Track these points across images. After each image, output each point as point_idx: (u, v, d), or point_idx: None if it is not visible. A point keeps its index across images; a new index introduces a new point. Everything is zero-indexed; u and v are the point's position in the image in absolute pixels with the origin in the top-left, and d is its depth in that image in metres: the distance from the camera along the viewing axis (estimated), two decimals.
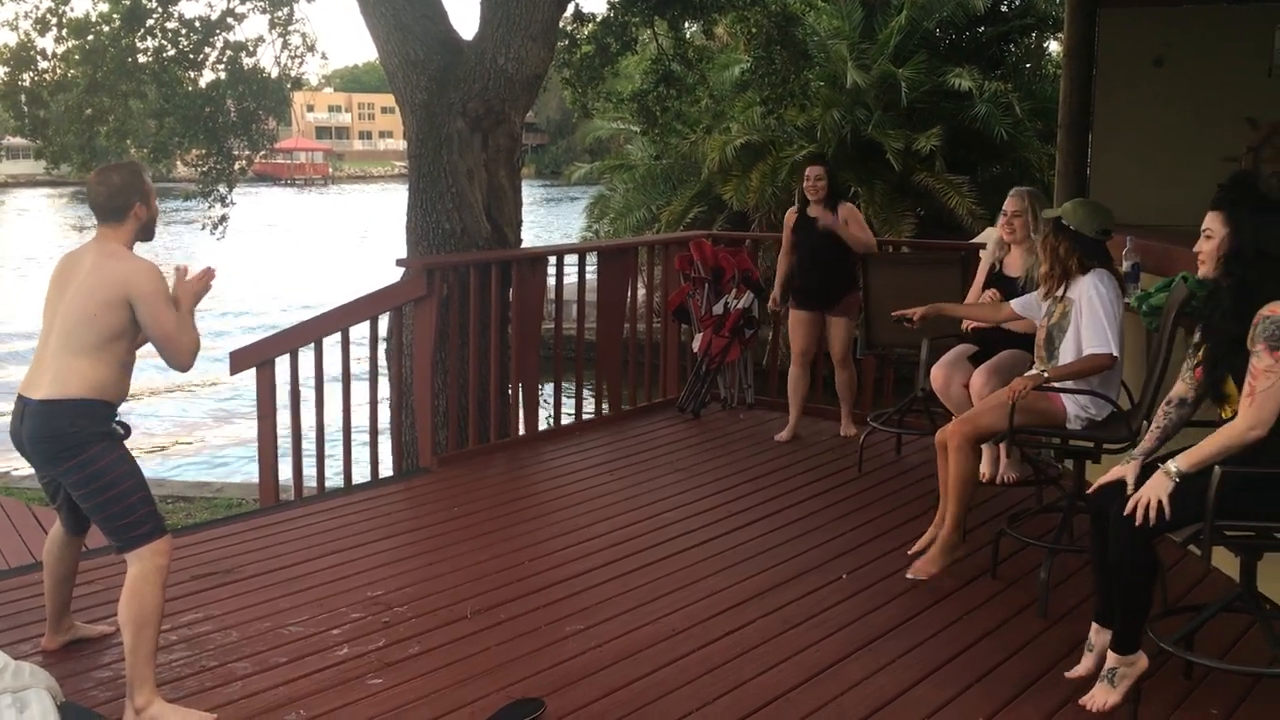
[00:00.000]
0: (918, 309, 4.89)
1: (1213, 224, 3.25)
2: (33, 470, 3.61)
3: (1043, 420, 4.22)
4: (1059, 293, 4.24)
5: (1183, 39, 6.26)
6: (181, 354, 3.43)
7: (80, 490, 3.37)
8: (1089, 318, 4.10)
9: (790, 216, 6.56)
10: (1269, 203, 3.24)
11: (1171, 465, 3.17)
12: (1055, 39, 18.15)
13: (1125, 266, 4.80)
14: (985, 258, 5.34)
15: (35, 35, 8.95)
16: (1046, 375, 4.15)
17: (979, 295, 5.15)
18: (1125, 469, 3.36)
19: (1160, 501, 3.14)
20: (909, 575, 4.43)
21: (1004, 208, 5.06)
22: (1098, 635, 3.54)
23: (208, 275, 3.55)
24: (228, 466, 12.57)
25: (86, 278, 3.37)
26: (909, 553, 4.61)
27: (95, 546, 4.64)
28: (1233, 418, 3.17)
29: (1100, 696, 3.34)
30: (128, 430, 3.49)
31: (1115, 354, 4.10)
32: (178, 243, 31.28)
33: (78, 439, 3.31)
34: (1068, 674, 3.60)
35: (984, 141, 16.19)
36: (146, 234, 3.54)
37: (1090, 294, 4.12)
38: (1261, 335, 3.07)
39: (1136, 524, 3.16)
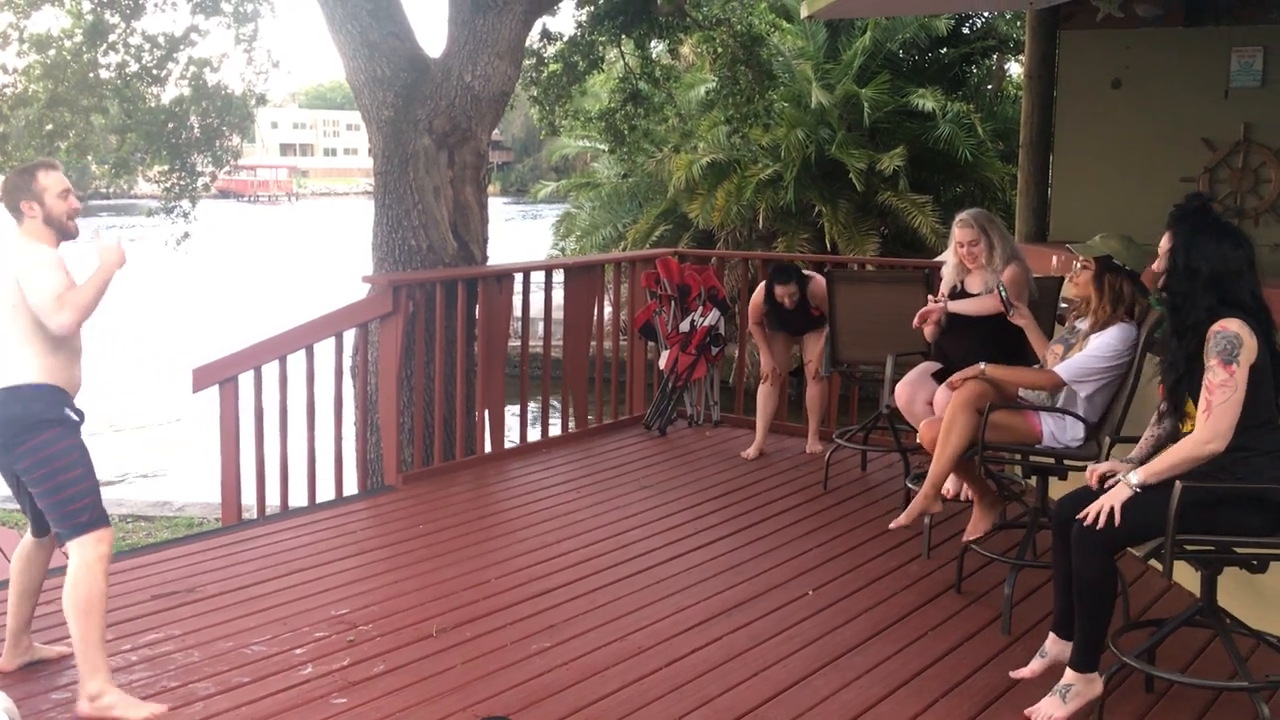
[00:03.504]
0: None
1: (1163, 244, 3.32)
2: None
3: (1016, 439, 4.25)
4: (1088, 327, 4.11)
5: (1141, 61, 6.37)
6: (49, 311, 3.40)
7: (32, 475, 3.48)
8: (1084, 355, 4.01)
9: (757, 305, 6.50)
10: (1210, 223, 3.25)
11: (1132, 476, 3.21)
12: (1016, 61, 18.39)
13: None
14: (946, 278, 5.38)
15: None
16: (984, 369, 4.23)
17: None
18: (1116, 464, 3.42)
19: (1113, 509, 3.18)
20: (965, 540, 4.55)
21: (956, 238, 4.96)
22: (1053, 645, 3.56)
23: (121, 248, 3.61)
24: (188, 485, 12.38)
25: (4, 271, 3.49)
26: (966, 539, 4.61)
27: (60, 565, 4.56)
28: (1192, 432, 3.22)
29: (1047, 709, 3.34)
30: (82, 417, 3.57)
31: (1074, 391, 4.06)
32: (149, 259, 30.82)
33: (32, 421, 3.43)
34: (1012, 673, 3.63)
35: (947, 161, 16.36)
36: (55, 227, 3.54)
37: (1106, 340, 3.98)
38: (1214, 350, 3.12)
39: (1085, 525, 3.21)
